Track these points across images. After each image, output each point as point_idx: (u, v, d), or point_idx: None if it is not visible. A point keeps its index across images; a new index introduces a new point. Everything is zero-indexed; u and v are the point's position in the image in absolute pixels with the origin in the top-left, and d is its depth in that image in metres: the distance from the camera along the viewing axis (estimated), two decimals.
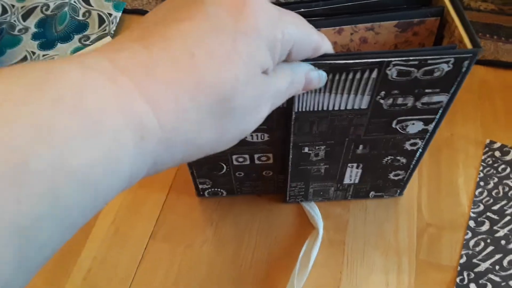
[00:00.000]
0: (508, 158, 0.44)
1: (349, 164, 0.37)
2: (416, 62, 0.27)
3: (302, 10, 0.30)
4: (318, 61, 0.26)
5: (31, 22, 0.60)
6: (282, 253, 0.40)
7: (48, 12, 0.61)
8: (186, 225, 0.42)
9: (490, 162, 0.44)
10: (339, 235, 0.41)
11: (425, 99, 0.31)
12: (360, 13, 0.31)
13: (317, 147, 0.35)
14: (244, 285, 0.38)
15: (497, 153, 0.45)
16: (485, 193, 0.42)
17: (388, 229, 0.41)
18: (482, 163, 0.44)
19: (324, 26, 0.30)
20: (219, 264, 0.40)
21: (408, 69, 0.28)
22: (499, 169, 0.44)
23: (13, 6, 0.61)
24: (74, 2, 0.61)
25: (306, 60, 0.25)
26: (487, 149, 0.45)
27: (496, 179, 0.43)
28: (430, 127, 0.33)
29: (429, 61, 0.27)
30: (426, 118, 0.32)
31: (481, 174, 0.43)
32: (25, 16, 0.60)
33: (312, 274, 0.38)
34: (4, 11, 0.61)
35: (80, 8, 0.60)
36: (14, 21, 0.60)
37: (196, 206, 0.43)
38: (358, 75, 0.28)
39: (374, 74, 0.28)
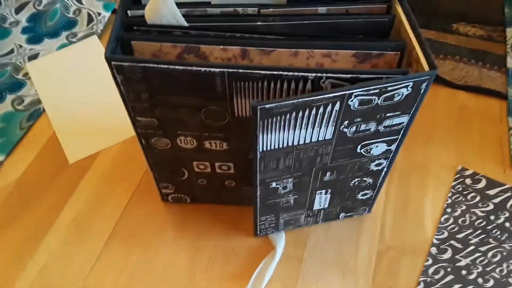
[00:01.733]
0: (479, 186, 0.43)
1: (318, 191, 0.36)
2: (376, 91, 0.27)
3: (260, 23, 0.30)
4: (282, 102, 0.25)
5: (23, 16, 0.61)
6: (238, 268, 0.39)
7: (40, 8, 0.61)
8: (146, 228, 0.42)
9: (460, 189, 0.43)
10: (298, 251, 0.40)
11: (387, 122, 0.30)
12: (318, 36, 0.30)
13: (284, 181, 0.34)
14: None
15: (468, 181, 0.44)
16: (451, 220, 0.41)
17: (348, 249, 0.40)
18: (452, 189, 0.43)
19: (281, 46, 0.29)
20: (173, 270, 0.39)
21: (369, 98, 0.28)
22: (468, 197, 0.43)
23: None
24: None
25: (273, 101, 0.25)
26: (458, 175, 0.44)
27: (464, 207, 0.42)
28: (393, 146, 0.33)
29: (389, 88, 0.27)
30: (389, 139, 0.32)
31: (449, 201, 0.43)
32: (18, 10, 0.61)
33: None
34: None
35: (71, 5, 0.61)
36: (7, 13, 0.61)
37: (159, 210, 0.43)
38: (321, 110, 0.27)
39: (337, 107, 0.27)
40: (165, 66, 0.27)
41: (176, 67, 0.27)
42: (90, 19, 0.59)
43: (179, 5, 0.30)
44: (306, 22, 0.30)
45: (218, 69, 0.27)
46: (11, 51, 0.57)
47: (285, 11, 0.31)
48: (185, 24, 0.30)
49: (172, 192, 0.41)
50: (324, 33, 0.30)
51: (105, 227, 0.42)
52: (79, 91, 0.52)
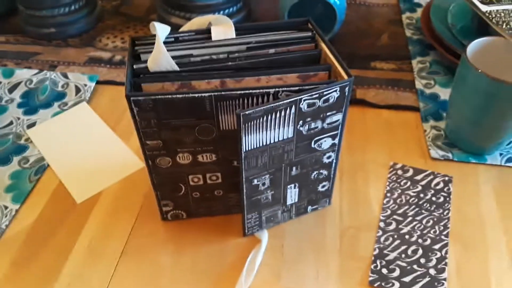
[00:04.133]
0: (408, 174, 0.56)
1: (288, 186, 0.48)
2: (317, 95, 0.40)
3: (230, 63, 0.42)
4: (257, 108, 0.37)
5: (16, 94, 0.70)
6: (233, 261, 0.48)
7: (31, 86, 0.72)
8: (151, 245, 0.50)
9: (394, 178, 0.56)
10: (278, 241, 0.50)
11: (328, 120, 0.43)
12: (272, 67, 0.43)
13: (263, 177, 0.44)
14: (202, 286, 0.46)
15: (400, 171, 0.57)
16: (391, 201, 0.53)
17: (317, 233, 0.50)
18: (388, 179, 0.56)
19: (247, 76, 0.42)
20: (179, 274, 0.47)
21: (313, 101, 0.40)
22: (401, 183, 0.55)
23: (0, 82, 0.72)
24: (54, 76, 0.72)
25: (250, 108, 0.37)
26: (391, 169, 0.57)
27: (399, 191, 0.54)
28: (337, 140, 0.45)
29: (325, 92, 0.40)
30: (332, 134, 0.44)
31: (388, 188, 0.55)
32: (11, 90, 0.71)
33: (258, 274, 0.47)
34: None
35: (59, 81, 0.72)
36: (1, 94, 0.71)
37: (160, 228, 0.52)
38: (282, 113, 0.39)
39: (293, 110, 0.40)
40: (169, 96, 0.39)
41: (177, 96, 0.39)
42: (77, 90, 0.70)
43: (172, 57, 0.42)
44: (262, 59, 0.43)
45: (207, 94, 0.39)
46: (11, 123, 0.66)
47: (246, 54, 0.44)
48: (177, 69, 0.42)
49: (171, 209, 0.51)
50: (275, 65, 0.43)
51: (116, 249, 0.50)
52: (76, 145, 0.62)
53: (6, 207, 0.54)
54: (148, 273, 0.48)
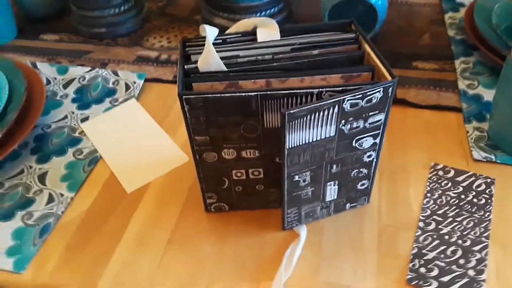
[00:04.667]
0: (449, 175, 0.56)
1: (328, 183, 0.49)
2: (360, 95, 0.41)
3: (275, 64, 0.44)
4: (301, 108, 0.38)
5: (70, 90, 0.75)
6: (272, 254, 0.50)
7: (84, 82, 0.76)
8: (195, 234, 0.53)
9: (435, 179, 0.56)
10: (317, 237, 0.51)
11: (370, 120, 0.44)
12: (316, 68, 0.45)
13: (304, 174, 0.46)
14: (243, 276, 0.48)
15: (440, 172, 0.57)
16: (431, 202, 0.54)
17: (356, 230, 0.52)
18: (429, 180, 0.56)
19: (292, 76, 0.44)
20: (221, 264, 0.50)
21: (356, 101, 0.41)
22: (442, 184, 0.55)
23: (55, 78, 0.77)
24: (105, 74, 0.77)
25: (289, 108, 0.39)
26: (432, 169, 0.57)
27: (440, 191, 0.55)
28: (378, 140, 0.46)
29: (368, 93, 0.41)
30: (374, 134, 0.45)
31: (428, 188, 0.55)
32: (66, 86, 0.76)
33: (296, 268, 0.49)
34: (48, 82, 0.77)
35: (110, 78, 0.76)
36: (56, 89, 0.75)
37: (204, 219, 0.54)
38: (326, 112, 0.41)
39: (336, 109, 0.41)
40: (218, 95, 0.41)
41: (225, 95, 0.41)
42: (127, 87, 0.74)
43: (220, 58, 0.44)
44: (306, 60, 0.45)
45: (253, 93, 0.41)
46: (65, 117, 0.70)
47: (291, 55, 0.46)
48: (225, 69, 0.44)
49: (215, 201, 0.53)
50: (319, 66, 0.45)
51: (162, 237, 0.53)
52: (126, 139, 0.65)
53: (62, 195, 0.58)
54: (192, 262, 0.50)
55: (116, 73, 0.76)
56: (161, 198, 0.57)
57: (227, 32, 0.50)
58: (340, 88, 0.41)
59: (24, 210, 0.57)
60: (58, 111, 0.72)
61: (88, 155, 0.64)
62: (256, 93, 0.41)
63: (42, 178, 0.61)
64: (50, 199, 0.58)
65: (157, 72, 0.77)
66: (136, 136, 0.66)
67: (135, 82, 0.74)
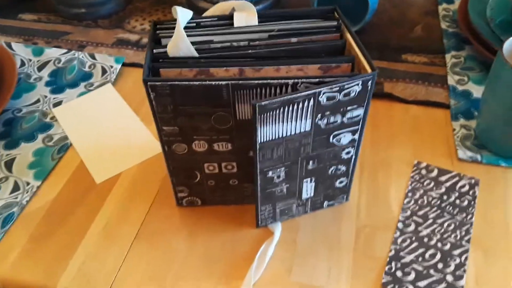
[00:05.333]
0: (432, 175, 0.54)
1: (304, 180, 0.46)
2: (337, 88, 0.38)
3: (250, 51, 0.41)
4: (273, 99, 0.36)
5: (45, 73, 0.72)
6: (244, 252, 0.48)
7: (60, 65, 0.73)
8: (165, 229, 0.50)
9: (418, 178, 0.54)
10: (292, 235, 0.49)
11: (349, 115, 0.41)
12: (293, 57, 0.42)
13: (278, 170, 0.44)
14: (212, 274, 0.46)
15: (423, 171, 0.54)
16: (412, 202, 0.51)
17: (332, 229, 0.49)
18: (411, 179, 0.54)
19: (267, 65, 0.41)
20: (191, 260, 0.47)
21: (333, 94, 0.39)
22: (425, 183, 0.53)
23: (30, 60, 0.74)
24: (82, 56, 0.73)
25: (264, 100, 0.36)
26: (415, 168, 0.55)
27: (422, 191, 0.52)
28: (357, 136, 0.43)
29: (346, 86, 0.38)
30: (353, 129, 0.43)
31: (410, 187, 0.53)
32: (40, 68, 0.72)
33: (269, 267, 0.46)
34: (22, 63, 0.73)
35: (87, 61, 0.73)
36: (30, 71, 0.72)
37: (175, 214, 0.52)
38: (300, 105, 0.38)
39: (311, 102, 0.38)
40: (186, 83, 0.38)
41: (194, 82, 0.38)
42: (104, 71, 0.71)
43: (191, 43, 0.41)
44: (283, 48, 0.42)
45: (224, 82, 0.38)
46: (38, 101, 0.67)
47: (268, 42, 0.43)
48: (197, 55, 0.41)
49: (186, 195, 0.50)
50: (296, 55, 0.42)
51: (131, 231, 0.50)
52: (99, 126, 0.62)
53: (28, 183, 0.55)
54: (159, 257, 0.48)
55: (93, 56, 0.73)
56: (131, 190, 0.54)
57: (203, 15, 0.47)
58: (317, 80, 0.38)
59: None
60: (30, 94, 0.68)
61: (58, 142, 0.61)
62: (227, 81, 0.38)
63: (9, 164, 0.58)
64: (16, 187, 0.55)
65: (136, 56, 0.74)
66: (109, 123, 0.63)
67: (112, 66, 0.71)
